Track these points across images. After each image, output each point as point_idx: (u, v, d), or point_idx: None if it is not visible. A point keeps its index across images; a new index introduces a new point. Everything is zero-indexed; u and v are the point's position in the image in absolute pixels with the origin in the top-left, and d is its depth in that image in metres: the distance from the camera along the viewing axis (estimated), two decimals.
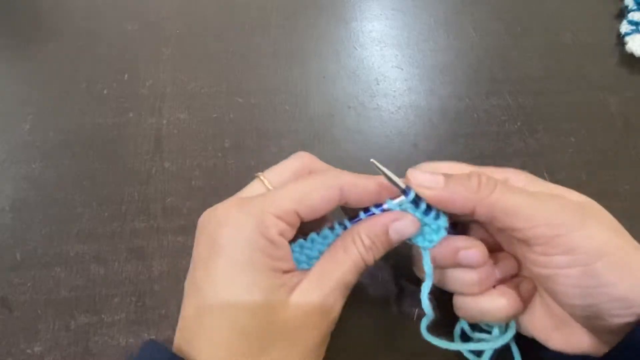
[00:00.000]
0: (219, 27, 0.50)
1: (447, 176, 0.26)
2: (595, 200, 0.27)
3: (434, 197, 0.26)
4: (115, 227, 0.37)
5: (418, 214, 0.27)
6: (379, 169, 0.26)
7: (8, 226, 0.37)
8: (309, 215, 0.26)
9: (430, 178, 0.26)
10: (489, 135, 0.42)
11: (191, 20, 0.51)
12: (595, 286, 0.24)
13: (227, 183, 0.40)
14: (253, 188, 0.28)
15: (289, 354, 0.24)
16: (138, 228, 0.37)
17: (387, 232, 0.26)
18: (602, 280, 0.23)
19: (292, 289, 0.25)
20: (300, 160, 0.29)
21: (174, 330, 0.26)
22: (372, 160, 0.27)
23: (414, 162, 0.30)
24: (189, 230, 0.29)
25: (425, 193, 0.26)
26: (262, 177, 0.28)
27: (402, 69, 0.47)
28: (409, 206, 0.27)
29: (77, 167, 0.40)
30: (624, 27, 0.47)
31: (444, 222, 0.27)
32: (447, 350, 0.30)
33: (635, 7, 0.48)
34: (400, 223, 0.26)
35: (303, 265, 0.27)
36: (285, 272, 0.25)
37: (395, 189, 0.27)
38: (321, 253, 0.27)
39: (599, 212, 0.26)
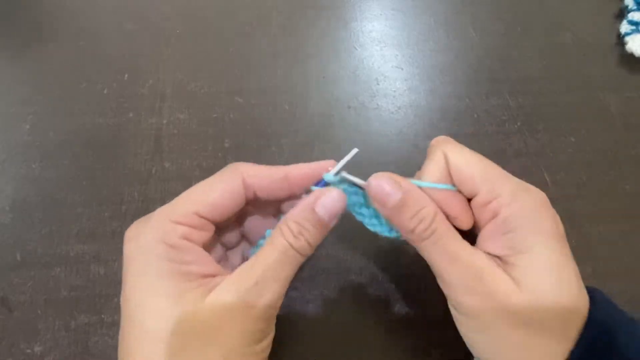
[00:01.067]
0: (219, 27, 0.50)
1: (403, 196, 0.25)
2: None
3: (381, 212, 0.26)
4: (115, 227, 0.37)
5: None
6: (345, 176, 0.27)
7: (8, 226, 0.37)
8: (213, 213, 0.26)
9: (383, 197, 0.26)
10: (489, 135, 0.42)
11: (191, 20, 0.51)
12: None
13: None
14: None
15: (204, 354, 0.23)
16: None
17: (313, 211, 0.25)
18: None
19: (211, 289, 0.24)
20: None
21: None
22: (352, 149, 0.27)
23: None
24: None
25: (376, 206, 0.27)
26: None
27: (402, 69, 0.47)
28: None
29: (77, 167, 0.40)
30: (624, 27, 0.47)
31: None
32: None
33: (635, 7, 0.48)
34: (325, 198, 0.26)
35: None
36: (206, 275, 0.25)
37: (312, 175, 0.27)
38: None
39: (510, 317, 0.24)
